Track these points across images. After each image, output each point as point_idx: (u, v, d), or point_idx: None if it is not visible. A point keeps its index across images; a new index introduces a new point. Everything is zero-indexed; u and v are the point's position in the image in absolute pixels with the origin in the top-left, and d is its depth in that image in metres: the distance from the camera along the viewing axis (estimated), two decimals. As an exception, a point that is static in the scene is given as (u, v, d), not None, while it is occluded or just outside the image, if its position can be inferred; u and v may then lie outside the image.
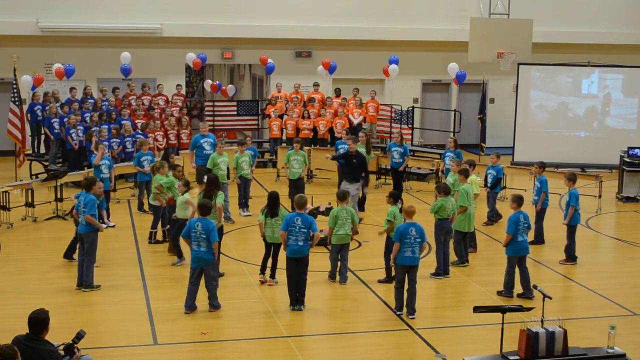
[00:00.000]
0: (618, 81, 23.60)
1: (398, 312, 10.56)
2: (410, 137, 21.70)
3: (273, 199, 11.56)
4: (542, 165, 14.54)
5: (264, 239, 11.62)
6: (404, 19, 24.03)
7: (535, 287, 8.80)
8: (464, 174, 13.15)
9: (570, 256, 13.17)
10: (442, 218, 12.19)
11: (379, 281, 11.89)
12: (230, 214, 15.53)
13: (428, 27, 23.97)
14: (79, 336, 7.26)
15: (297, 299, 10.68)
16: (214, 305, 10.58)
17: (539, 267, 12.96)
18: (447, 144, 17.34)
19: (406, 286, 10.53)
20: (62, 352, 7.07)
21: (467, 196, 12.70)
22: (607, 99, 23.43)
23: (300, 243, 10.57)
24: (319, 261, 12.71)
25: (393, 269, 10.98)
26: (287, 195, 16.27)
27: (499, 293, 11.39)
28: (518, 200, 11.36)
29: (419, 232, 10.40)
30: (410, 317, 10.38)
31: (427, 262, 12.30)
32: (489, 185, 15.59)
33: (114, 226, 15.09)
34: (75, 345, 7.18)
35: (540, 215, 14.19)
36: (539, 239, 14.20)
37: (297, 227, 10.57)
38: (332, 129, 20.88)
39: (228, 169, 15.67)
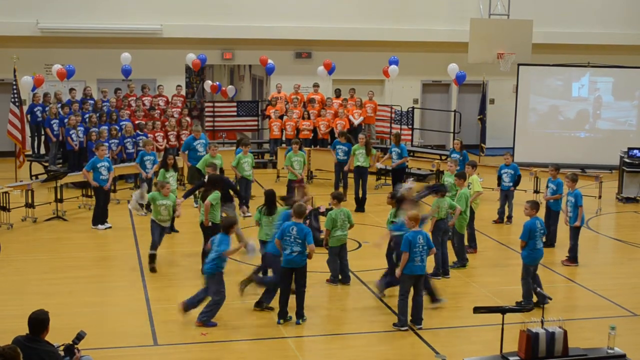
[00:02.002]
0: (616, 82, 23.50)
1: (403, 329, 9.98)
2: (410, 137, 21.72)
3: (269, 196, 11.54)
4: (558, 168, 14.40)
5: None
6: (404, 20, 24.02)
7: (535, 288, 8.80)
8: (462, 177, 13.08)
9: (574, 257, 13.14)
10: (438, 218, 12.14)
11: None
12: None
13: (428, 27, 23.96)
14: (79, 337, 7.26)
15: (286, 313, 10.17)
16: (202, 320, 9.97)
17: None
18: (454, 146, 17.31)
19: (410, 294, 10.17)
20: (62, 353, 7.08)
21: (466, 200, 12.67)
22: (600, 101, 23.41)
23: (295, 253, 10.00)
24: (318, 262, 12.71)
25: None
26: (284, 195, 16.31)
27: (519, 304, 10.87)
28: (536, 206, 11.01)
29: (425, 240, 10.07)
30: (417, 327, 10.12)
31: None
32: (505, 183, 15.62)
33: (110, 227, 15.09)
34: (76, 346, 7.18)
35: (555, 218, 14.07)
36: (552, 242, 14.12)
37: (292, 237, 10.01)
38: (332, 129, 20.88)
39: (221, 170, 15.74)
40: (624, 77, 23.24)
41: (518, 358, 7.42)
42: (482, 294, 11.53)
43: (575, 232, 13.10)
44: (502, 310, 7.92)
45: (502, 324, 7.76)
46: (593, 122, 23.42)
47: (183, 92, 22.43)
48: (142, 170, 16.13)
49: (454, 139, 19.85)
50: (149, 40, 22.83)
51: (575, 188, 13.15)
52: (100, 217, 15.10)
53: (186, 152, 16.91)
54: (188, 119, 20.35)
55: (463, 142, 17.33)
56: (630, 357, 7.64)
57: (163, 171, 14.62)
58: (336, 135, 20.20)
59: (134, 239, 14.39)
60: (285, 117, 21.15)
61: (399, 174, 17.50)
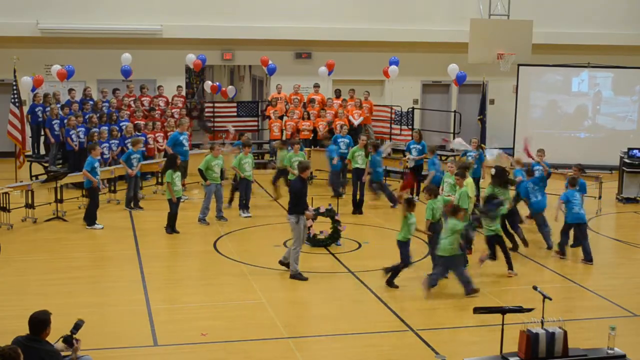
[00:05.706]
0: (615, 78, 23.52)
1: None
2: (410, 138, 21.69)
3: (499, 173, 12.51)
4: (582, 169, 14.37)
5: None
6: (404, 20, 24.02)
7: (535, 288, 8.80)
8: (462, 176, 13.06)
9: (562, 250, 13.45)
10: (433, 221, 11.96)
11: (386, 270, 11.77)
12: (222, 213, 15.73)
13: (428, 28, 23.95)
14: (77, 326, 7.23)
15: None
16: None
17: (540, 268, 12.96)
18: (470, 144, 17.31)
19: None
20: (61, 344, 7.07)
21: (467, 199, 12.65)
22: (598, 98, 23.43)
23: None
24: (320, 262, 12.74)
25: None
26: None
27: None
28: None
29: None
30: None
31: (425, 264, 12.28)
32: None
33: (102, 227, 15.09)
34: (74, 336, 7.16)
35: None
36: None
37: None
38: (331, 130, 20.87)
39: (222, 170, 15.74)
40: (624, 73, 23.26)
41: (518, 358, 7.42)
42: (482, 295, 11.51)
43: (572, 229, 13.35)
44: (502, 311, 7.92)
45: (502, 324, 7.76)
46: (601, 120, 23.43)
47: (183, 93, 22.43)
48: (128, 168, 16.36)
49: (454, 139, 19.87)
50: (149, 40, 22.83)
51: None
52: (94, 217, 15.10)
53: (170, 147, 17.21)
54: (187, 118, 20.30)
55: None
56: (630, 358, 7.65)
57: (171, 172, 14.64)
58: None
59: (133, 239, 14.38)
60: (285, 118, 21.16)
61: (416, 171, 17.74)
